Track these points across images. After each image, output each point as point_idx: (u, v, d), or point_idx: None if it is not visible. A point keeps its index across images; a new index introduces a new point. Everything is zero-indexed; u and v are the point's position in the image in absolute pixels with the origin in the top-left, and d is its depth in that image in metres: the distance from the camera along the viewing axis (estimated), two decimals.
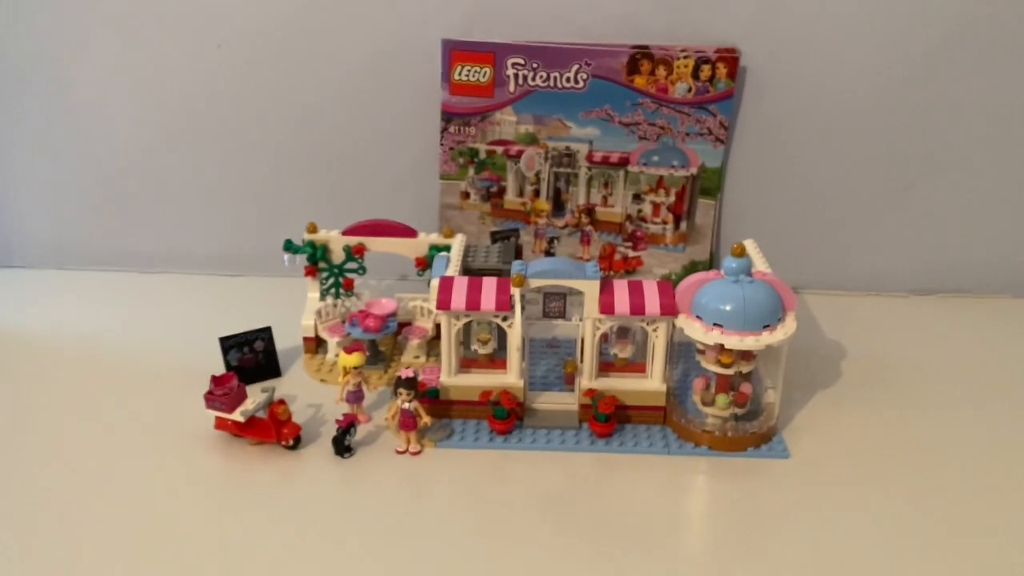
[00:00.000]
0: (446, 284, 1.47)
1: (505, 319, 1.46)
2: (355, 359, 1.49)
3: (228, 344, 1.63)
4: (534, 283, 1.45)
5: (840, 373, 1.73)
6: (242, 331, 1.64)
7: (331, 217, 1.77)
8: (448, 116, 1.89)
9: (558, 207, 1.98)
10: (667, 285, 1.47)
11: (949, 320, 1.95)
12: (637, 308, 1.44)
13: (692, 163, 1.91)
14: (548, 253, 2.01)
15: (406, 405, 1.43)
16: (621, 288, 1.46)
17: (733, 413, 1.48)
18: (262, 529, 1.32)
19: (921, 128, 1.89)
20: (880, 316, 1.97)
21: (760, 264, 1.59)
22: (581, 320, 1.47)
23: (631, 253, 2.00)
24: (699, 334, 1.41)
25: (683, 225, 1.97)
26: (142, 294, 2.00)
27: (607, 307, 1.44)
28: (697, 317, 1.43)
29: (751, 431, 1.48)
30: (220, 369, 1.62)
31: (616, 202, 1.96)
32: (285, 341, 1.73)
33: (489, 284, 1.47)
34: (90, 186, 2.03)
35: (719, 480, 1.43)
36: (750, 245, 1.67)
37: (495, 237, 2.00)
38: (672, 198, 1.94)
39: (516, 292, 1.43)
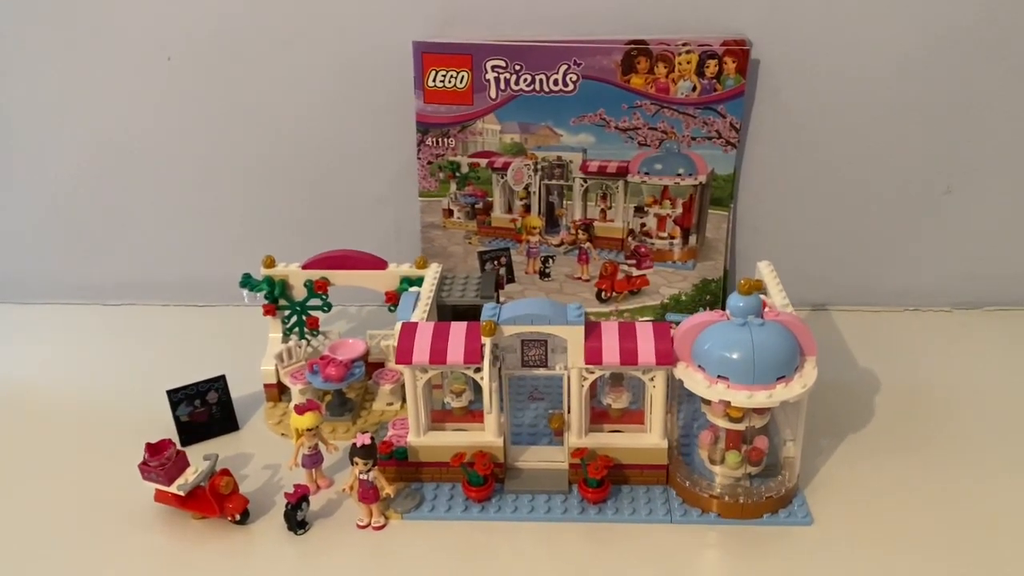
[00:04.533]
0: (408, 331, 1.28)
1: (477, 371, 1.26)
2: (308, 420, 1.31)
3: (177, 397, 1.46)
4: (509, 330, 1.25)
5: (874, 411, 1.52)
6: (193, 382, 1.47)
7: (301, 243, 1.60)
8: (424, 127, 1.70)
9: (552, 223, 1.78)
10: (664, 328, 1.26)
11: (996, 337, 1.75)
12: (628, 356, 1.23)
13: (700, 170, 1.70)
14: (543, 274, 1.81)
15: (364, 476, 1.24)
16: (610, 332, 1.26)
17: (746, 472, 1.28)
18: None
19: (959, 125, 1.67)
20: (919, 335, 1.76)
21: (775, 293, 1.38)
22: (566, 369, 1.27)
23: (635, 272, 1.79)
24: (701, 388, 1.20)
25: (692, 240, 1.76)
26: (96, 330, 1.84)
27: (594, 356, 1.24)
28: (699, 367, 1.22)
29: (767, 494, 1.27)
30: (170, 422, 1.45)
31: (616, 216, 1.75)
32: (246, 386, 1.56)
33: (458, 331, 1.27)
34: (40, 216, 1.87)
35: (730, 554, 1.23)
36: (764, 268, 1.46)
37: (483, 258, 1.81)
38: (679, 210, 1.73)
39: (487, 342, 1.23)
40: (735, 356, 1.18)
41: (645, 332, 1.26)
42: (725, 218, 1.74)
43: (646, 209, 1.74)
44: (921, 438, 1.44)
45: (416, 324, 1.29)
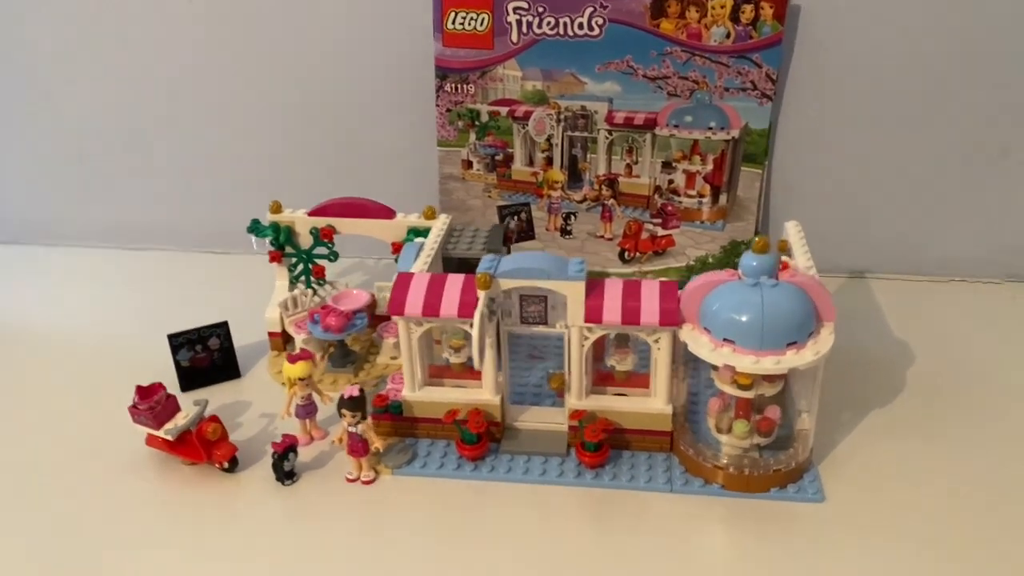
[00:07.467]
0: (402, 282, 1.22)
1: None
2: (299, 369, 1.27)
3: (178, 341, 1.44)
4: (507, 284, 1.18)
5: (905, 385, 1.42)
6: (194, 327, 1.44)
7: (318, 190, 1.56)
8: (443, 72, 1.63)
9: (574, 177, 1.71)
10: (671, 287, 1.19)
11: None
12: (631, 316, 1.16)
13: (733, 124, 1.60)
14: (564, 231, 1.74)
15: (352, 429, 1.20)
16: (613, 290, 1.19)
17: (755, 443, 1.20)
18: (188, 566, 1.13)
19: (1017, 81, 1.53)
20: (964, 307, 1.65)
21: (800, 256, 1.29)
22: (566, 327, 1.21)
23: (660, 232, 1.71)
24: (705, 351, 1.13)
25: (722, 198, 1.67)
26: (109, 272, 1.86)
27: (594, 314, 1.17)
28: (705, 328, 1.14)
29: (775, 467, 1.19)
30: (172, 367, 1.44)
31: (642, 171, 1.67)
32: (253, 334, 1.54)
33: (453, 283, 1.21)
34: (60, 160, 1.87)
35: (732, 528, 1.16)
36: (792, 228, 1.37)
37: (503, 213, 1.74)
38: (709, 166, 1.64)
39: (482, 296, 1.17)
40: (743, 318, 1.10)
41: (650, 291, 1.18)
42: (758, 176, 1.64)
43: (674, 164, 1.66)
44: (953, 420, 1.34)
45: (412, 275, 1.24)
